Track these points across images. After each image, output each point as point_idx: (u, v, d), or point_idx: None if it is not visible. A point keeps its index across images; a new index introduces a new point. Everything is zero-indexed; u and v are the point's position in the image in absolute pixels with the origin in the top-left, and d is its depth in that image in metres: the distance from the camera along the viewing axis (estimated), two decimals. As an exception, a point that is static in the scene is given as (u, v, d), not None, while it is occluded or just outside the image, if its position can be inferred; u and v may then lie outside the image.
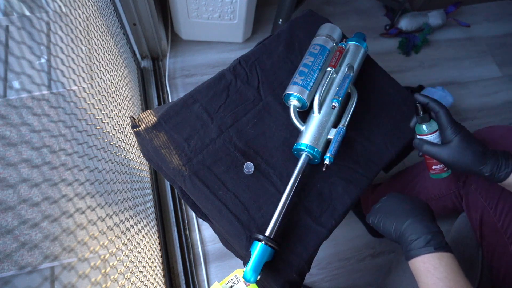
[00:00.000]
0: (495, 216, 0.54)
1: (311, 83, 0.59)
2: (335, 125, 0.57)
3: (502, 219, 0.53)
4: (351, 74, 0.58)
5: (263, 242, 0.47)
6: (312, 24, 0.74)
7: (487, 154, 0.46)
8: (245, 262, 0.54)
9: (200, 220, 0.99)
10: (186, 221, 0.98)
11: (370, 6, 1.46)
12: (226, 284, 0.51)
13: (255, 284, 0.49)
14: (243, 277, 0.46)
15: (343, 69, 0.60)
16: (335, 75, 0.60)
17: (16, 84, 0.37)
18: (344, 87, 0.55)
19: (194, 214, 0.99)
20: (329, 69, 0.59)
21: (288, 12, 1.09)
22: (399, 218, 0.45)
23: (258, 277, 0.46)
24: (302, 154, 0.55)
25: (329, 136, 0.56)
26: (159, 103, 1.13)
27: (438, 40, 1.41)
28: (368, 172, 0.61)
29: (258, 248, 0.47)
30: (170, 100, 1.16)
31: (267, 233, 0.49)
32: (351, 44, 0.64)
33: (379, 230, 0.49)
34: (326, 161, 0.52)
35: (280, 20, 1.13)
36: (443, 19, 1.35)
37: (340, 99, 0.54)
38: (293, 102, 0.60)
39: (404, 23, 1.33)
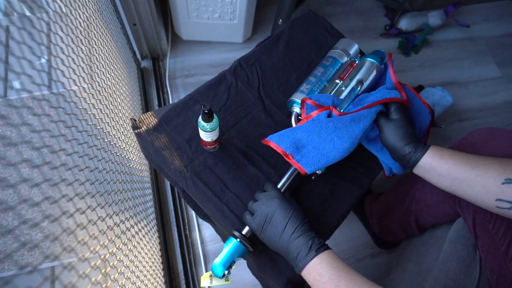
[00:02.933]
0: (486, 218, 0.55)
1: (316, 93, 0.60)
2: None
3: (493, 221, 0.54)
4: (358, 89, 0.58)
5: (238, 240, 0.48)
6: (312, 24, 0.74)
7: (413, 138, 0.51)
8: (248, 263, 0.55)
9: (200, 220, 1.00)
10: (186, 220, 0.98)
11: (370, 6, 1.46)
12: (210, 275, 0.51)
13: (229, 277, 0.48)
14: (211, 269, 0.47)
15: (353, 83, 0.60)
16: (343, 88, 0.59)
17: (16, 84, 0.37)
18: (347, 100, 0.55)
19: (194, 214, 0.99)
20: (337, 81, 0.59)
21: (288, 12, 1.09)
22: (284, 232, 0.46)
23: (225, 272, 0.46)
24: None
25: None
26: (159, 103, 1.13)
27: (438, 40, 1.41)
28: (369, 171, 0.61)
29: (231, 244, 0.47)
30: (170, 100, 1.16)
31: (244, 231, 0.49)
32: (367, 60, 0.62)
33: (259, 237, 0.49)
34: (318, 171, 0.52)
35: (280, 20, 1.13)
36: (442, 19, 1.35)
37: (341, 110, 0.54)
38: (296, 109, 0.60)
39: (404, 23, 1.34)
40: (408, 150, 0.50)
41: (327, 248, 0.45)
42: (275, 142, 0.53)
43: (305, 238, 0.45)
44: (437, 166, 0.48)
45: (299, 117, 0.60)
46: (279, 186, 0.53)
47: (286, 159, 0.51)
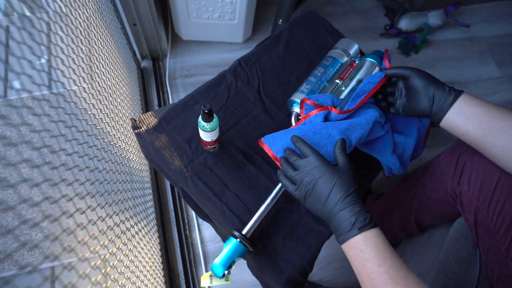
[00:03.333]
0: (488, 216, 0.54)
1: (316, 93, 0.60)
2: None
3: (495, 219, 0.53)
4: None
5: (238, 240, 0.48)
6: (312, 24, 0.74)
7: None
8: (248, 263, 0.54)
9: (200, 220, 1.00)
10: (186, 220, 0.98)
11: (370, 6, 1.46)
12: (210, 275, 0.51)
13: (229, 277, 0.48)
14: (211, 269, 0.46)
15: (353, 83, 0.60)
16: (343, 88, 0.59)
17: (16, 84, 0.37)
18: (347, 99, 0.55)
19: (194, 214, 0.99)
20: (337, 81, 0.59)
21: (288, 12, 1.09)
22: (326, 202, 0.44)
23: (225, 272, 0.46)
24: None
25: None
26: (159, 103, 1.13)
27: (438, 40, 1.41)
28: (369, 171, 0.61)
29: (231, 244, 0.47)
30: (170, 100, 1.16)
31: (244, 231, 0.49)
32: (367, 60, 0.62)
33: (303, 203, 0.47)
34: None
35: (280, 20, 1.13)
36: (442, 19, 1.35)
37: (341, 110, 0.54)
38: (296, 109, 0.60)
39: (404, 23, 1.34)
40: (448, 88, 0.50)
41: (374, 226, 0.43)
42: (268, 145, 0.52)
43: (349, 212, 0.42)
44: (476, 104, 0.47)
45: (299, 117, 0.60)
46: (279, 186, 0.52)
47: (276, 162, 0.51)
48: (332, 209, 0.43)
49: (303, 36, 0.73)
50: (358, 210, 0.43)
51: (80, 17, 0.60)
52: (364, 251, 0.41)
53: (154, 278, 0.75)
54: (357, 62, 0.63)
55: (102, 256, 0.51)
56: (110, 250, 0.53)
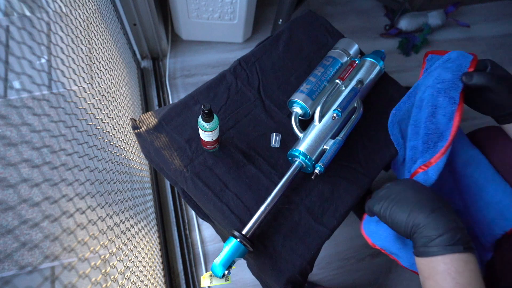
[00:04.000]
0: None
1: (316, 93, 0.60)
2: (334, 137, 0.57)
3: None
4: (358, 89, 0.58)
5: (238, 240, 0.48)
6: (312, 24, 0.74)
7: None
8: (248, 263, 0.54)
9: (200, 220, 1.00)
10: (186, 220, 0.98)
11: (370, 6, 1.46)
12: (210, 275, 0.51)
13: (229, 277, 0.48)
14: (211, 269, 0.47)
15: (353, 83, 0.60)
16: (343, 88, 0.59)
17: (16, 84, 0.37)
18: (348, 99, 0.55)
19: (194, 214, 0.99)
20: (337, 81, 0.59)
21: (288, 12, 1.09)
22: (417, 207, 0.39)
23: (225, 272, 0.46)
24: (295, 160, 0.55)
25: (325, 147, 0.55)
26: (159, 103, 1.13)
27: (438, 40, 1.41)
28: (369, 171, 0.61)
29: (231, 244, 0.47)
30: (170, 100, 1.16)
31: (244, 231, 0.49)
32: (367, 60, 0.63)
33: (384, 220, 0.44)
34: (316, 170, 0.52)
35: (280, 20, 1.13)
36: (442, 19, 1.35)
37: (341, 111, 0.54)
38: (296, 109, 0.60)
39: (404, 23, 1.34)
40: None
41: (474, 252, 0.38)
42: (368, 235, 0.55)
43: (451, 223, 0.37)
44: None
45: (300, 117, 0.60)
46: (280, 184, 0.52)
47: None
48: (429, 213, 0.38)
49: (303, 36, 0.73)
50: (462, 226, 0.38)
51: (80, 17, 0.60)
52: (462, 274, 0.36)
53: (154, 278, 0.75)
54: (357, 62, 0.63)
55: (102, 256, 0.51)
56: (110, 250, 0.53)
